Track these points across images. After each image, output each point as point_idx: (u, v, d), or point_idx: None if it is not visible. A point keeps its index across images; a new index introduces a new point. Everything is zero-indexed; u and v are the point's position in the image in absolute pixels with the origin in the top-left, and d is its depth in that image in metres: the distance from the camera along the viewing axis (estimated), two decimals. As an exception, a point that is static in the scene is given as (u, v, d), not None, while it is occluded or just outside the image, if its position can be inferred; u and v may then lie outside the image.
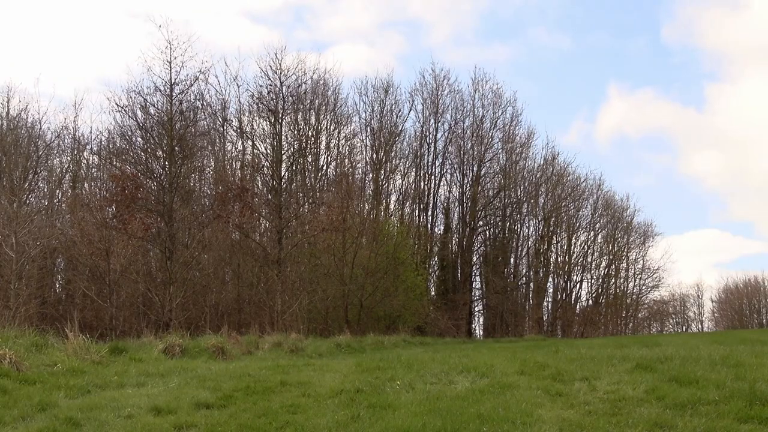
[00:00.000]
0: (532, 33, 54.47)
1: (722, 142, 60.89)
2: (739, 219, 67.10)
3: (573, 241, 36.66)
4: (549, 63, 53.64)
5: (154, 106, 20.82)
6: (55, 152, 27.13)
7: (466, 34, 52.17)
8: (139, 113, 21.03)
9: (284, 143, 24.45)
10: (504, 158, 34.00)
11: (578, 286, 37.16)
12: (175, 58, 20.29)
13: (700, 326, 48.83)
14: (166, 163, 20.48)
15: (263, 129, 24.86)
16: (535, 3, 53.37)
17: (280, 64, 23.46)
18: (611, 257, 37.79)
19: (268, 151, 24.74)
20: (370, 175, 31.11)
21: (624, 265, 38.90)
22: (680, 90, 59.56)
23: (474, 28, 52.27)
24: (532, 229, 35.87)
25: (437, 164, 33.18)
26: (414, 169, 32.71)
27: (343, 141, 30.36)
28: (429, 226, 32.89)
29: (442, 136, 33.15)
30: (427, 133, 32.89)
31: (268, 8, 48.95)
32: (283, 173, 24.24)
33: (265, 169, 24.51)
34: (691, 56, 57.97)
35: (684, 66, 58.17)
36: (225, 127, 27.68)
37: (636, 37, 57.74)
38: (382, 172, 31.10)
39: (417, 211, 32.83)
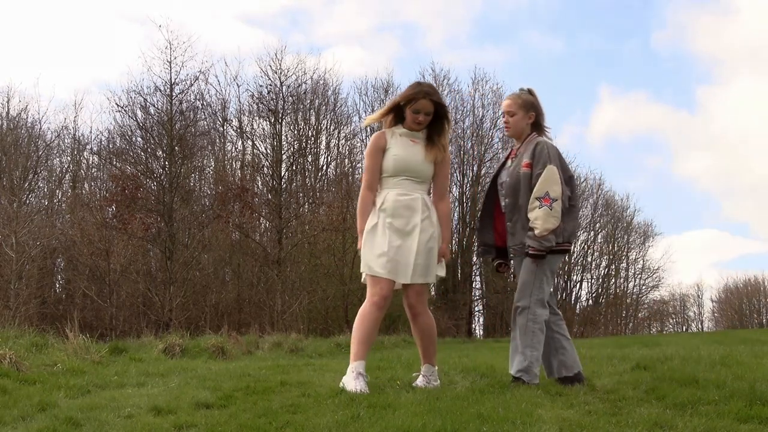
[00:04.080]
0: (524, 36, 54.39)
1: (715, 144, 60.86)
2: (734, 220, 67.03)
3: (573, 241, 36.63)
4: (541, 66, 53.54)
5: (154, 105, 20.86)
6: (55, 152, 27.13)
7: (460, 36, 52.09)
8: (139, 113, 21.07)
9: (284, 143, 24.47)
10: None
11: (578, 286, 37.15)
12: (175, 58, 20.33)
13: (700, 326, 48.81)
14: (166, 163, 20.50)
15: (263, 129, 24.88)
16: (527, 7, 53.27)
17: (280, 64, 23.48)
18: (611, 257, 37.77)
19: (268, 151, 24.75)
20: (371, 175, 31.07)
21: (624, 265, 38.89)
22: (672, 93, 59.45)
23: (468, 31, 52.17)
24: (532, 228, 35.88)
25: (437, 164, 33.18)
26: (414, 169, 32.70)
27: (343, 141, 30.38)
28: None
29: (442, 136, 33.16)
30: (427, 133, 32.90)
31: (264, 12, 48.81)
32: (283, 173, 24.24)
33: (265, 169, 24.51)
34: (682, 60, 57.85)
35: (675, 69, 58.04)
36: (225, 127, 27.69)
37: (628, 41, 57.63)
38: (383, 172, 31.07)
39: (417, 211, 32.83)
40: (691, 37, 59.41)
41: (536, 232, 4.26)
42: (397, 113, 4.49)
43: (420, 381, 4.53)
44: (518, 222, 4.39)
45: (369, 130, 31.64)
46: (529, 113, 4.53)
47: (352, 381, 4.17)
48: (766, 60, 56.76)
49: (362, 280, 4.56)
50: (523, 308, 4.33)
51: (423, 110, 4.40)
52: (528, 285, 4.34)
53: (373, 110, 31.79)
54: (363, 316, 4.37)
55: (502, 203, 4.56)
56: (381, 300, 4.35)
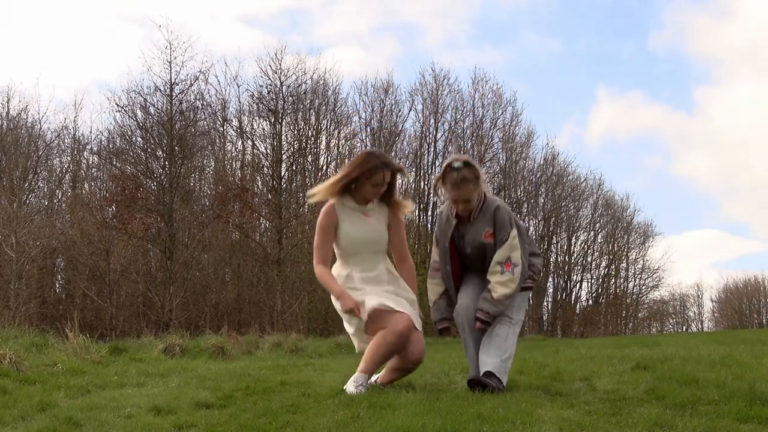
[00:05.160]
0: (523, 37, 54.46)
1: (715, 144, 60.89)
2: (734, 220, 67.07)
3: (573, 241, 36.66)
4: (540, 67, 53.57)
5: (154, 105, 20.89)
6: (55, 152, 27.16)
7: (459, 37, 52.13)
8: (139, 113, 21.12)
9: (284, 143, 24.50)
10: (504, 158, 34.00)
11: (578, 286, 37.18)
12: (175, 58, 20.39)
13: (700, 326, 48.81)
14: (166, 163, 20.52)
15: (263, 129, 24.91)
16: (525, 7, 53.35)
17: (280, 64, 23.52)
18: (611, 257, 37.76)
19: (268, 151, 24.77)
20: (370, 175, 31.08)
21: (624, 265, 38.89)
22: (670, 93, 59.43)
23: (467, 32, 52.24)
24: (532, 229, 35.85)
25: (437, 164, 33.17)
26: (414, 169, 32.72)
27: (343, 141, 30.38)
28: (429, 226, 32.89)
29: (442, 136, 33.18)
30: (427, 133, 32.92)
31: (263, 12, 48.79)
32: (283, 173, 24.27)
33: (265, 169, 24.53)
34: (679, 61, 57.88)
35: (673, 70, 58.05)
36: (225, 127, 27.71)
37: (625, 41, 57.65)
38: (382, 172, 31.07)
39: (417, 211, 32.84)
40: (689, 38, 59.52)
41: (494, 295, 4.10)
42: (347, 185, 4.27)
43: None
44: None
45: (369, 130, 31.70)
46: (483, 185, 4.23)
47: (353, 388, 4.14)
48: (764, 60, 56.83)
49: (360, 348, 4.27)
50: (510, 319, 4.18)
51: (384, 181, 4.25)
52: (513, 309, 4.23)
53: (372, 110, 31.81)
54: (386, 344, 4.11)
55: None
56: (407, 330, 4.10)
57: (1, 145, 24.96)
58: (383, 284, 4.27)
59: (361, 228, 4.30)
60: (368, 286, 4.23)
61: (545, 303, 35.73)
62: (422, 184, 32.79)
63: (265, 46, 54.12)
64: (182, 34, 33.08)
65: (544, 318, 35.26)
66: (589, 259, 37.40)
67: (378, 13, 50.53)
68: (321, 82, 27.99)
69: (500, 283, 4.11)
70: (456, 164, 4.12)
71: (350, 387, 4.14)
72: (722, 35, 59.36)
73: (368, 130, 31.67)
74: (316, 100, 27.98)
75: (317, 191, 4.31)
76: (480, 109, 33.39)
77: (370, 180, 4.22)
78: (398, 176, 4.37)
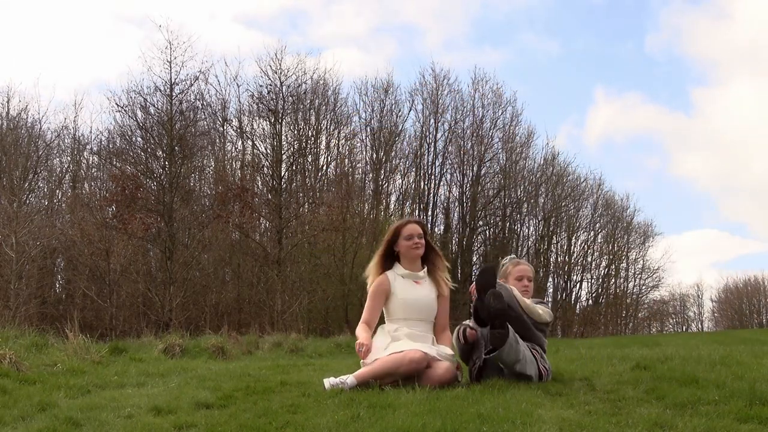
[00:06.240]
0: (521, 38, 54.39)
1: (713, 145, 60.76)
2: (733, 220, 67.01)
3: (573, 241, 36.64)
4: (538, 67, 53.49)
5: (154, 105, 20.88)
6: (55, 152, 27.15)
7: (458, 38, 52.09)
8: (139, 113, 21.11)
9: (284, 143, 24.48)
10: (504, 158, 33.98)
11: (578, 286, 37.17)
12: (175, 58, 20.36)
13: (700, 326, 48.78)
14: (166, 163, 20.52)
15: (263, 129, 24.90)
16: (524, 9, 53.32)
17: (280, 64, 23.49)
18: (611, 257, 37.74)
19: (268, 151, 24.76)
20: (370, 175, 31.11)
21: (624, 265, 38.85)
22: (668, 94, 59.28)
23: (466, 33, 52.19)
24: (532, 229, 35.87)
25: (437, 164, 33.20)
26: (414, 169, 32.72)
27: (343, 141, 30.37)
28: (429, 226, 32.89)
29: (442, 136, 33.17)
30: (427, 133, 32.90)
31: (262, 13, 48.66)
32: (283, 173, 24.25)
33: (265, 169, 24.52)
34: (677, 63, 57.74)
35: (670, 72, 57.88)
36: (225, 127, 27.69)
37: (622, 43, 57.54)
38: (382, 172, 31.10)
39: (417, 211, 32.84)
40: (687, 40, 59.51)
41: (529, 299, 4.59)
42: (390, 254, 4.72)
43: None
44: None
45: (369, 130, 31.69)
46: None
47: (332, 382, 4.22)
48: (762, 61, 56.78)
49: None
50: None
51: (415, 233, 4.66)
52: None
53: (372, 110, 31.81)
54: (387, 361, 4.35)
55: None
56: (416, 358, 4.33)
57: (1, 145, 24.95)
58: (427, 343, 4.55)
59: (412, 293, 4.65)
60: (409, 339, 4.49)
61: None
62: (422, 184, 32.81)
63: (265, 47, 54.09)
64: (182, 34, 32.94)
65: (544, 318, 35.20)
66: (589, 259, 37.41)
67: (377, 14, 50.54)
68: (321, 82, 28.01)
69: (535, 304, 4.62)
70: (511, 256, 5.00)
71: (333, 380, 4.21)
72: (719, 37, 59.35)
73: (368, 130, 31.66)
74: (316, 100, 27.99)
75: (369, 270, 4.77)
76: (480, 109, 33.38)
77: (402, 236, 4.67)
78: (433, 240, 4.84)
